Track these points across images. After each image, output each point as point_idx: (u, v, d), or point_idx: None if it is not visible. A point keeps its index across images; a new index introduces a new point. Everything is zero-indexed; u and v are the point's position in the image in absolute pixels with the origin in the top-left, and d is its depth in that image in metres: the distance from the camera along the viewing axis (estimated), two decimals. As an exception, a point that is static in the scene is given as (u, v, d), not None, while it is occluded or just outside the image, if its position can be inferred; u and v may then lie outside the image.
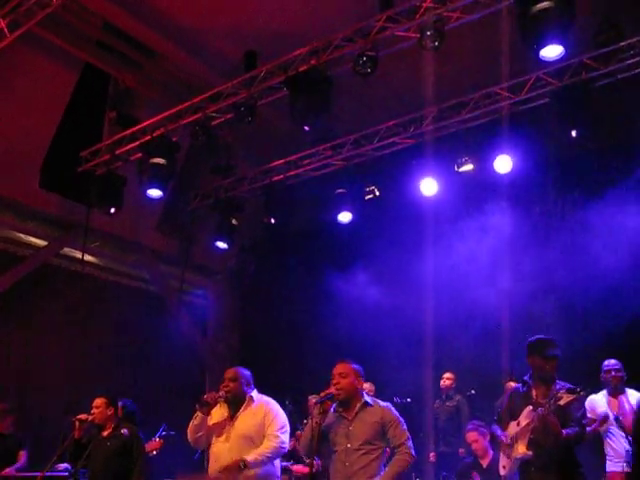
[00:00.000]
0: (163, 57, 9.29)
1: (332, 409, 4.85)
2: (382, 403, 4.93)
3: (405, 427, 4.80)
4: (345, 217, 10.06)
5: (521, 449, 5.03)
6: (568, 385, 5.05)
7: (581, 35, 7.15)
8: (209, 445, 5.27)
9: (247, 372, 5.40)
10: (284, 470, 7.77)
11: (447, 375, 9.29)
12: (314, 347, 10.65)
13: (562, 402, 4.77)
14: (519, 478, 5.18)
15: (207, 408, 5.13)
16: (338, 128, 9.66)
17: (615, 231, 8.08)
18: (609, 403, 6.79)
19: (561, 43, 6.42)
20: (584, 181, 9.03)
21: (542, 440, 4.95)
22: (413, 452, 4.75)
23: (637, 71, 7.42)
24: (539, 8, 6.13)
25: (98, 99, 9.80)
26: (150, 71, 9.41)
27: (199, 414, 5.14)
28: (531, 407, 5.04)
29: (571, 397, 4.75)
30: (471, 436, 7.21)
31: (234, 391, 5.22)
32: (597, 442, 6.86)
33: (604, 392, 6.88)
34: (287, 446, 5.33)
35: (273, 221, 10.19)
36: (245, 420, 5.19)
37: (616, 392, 6.79)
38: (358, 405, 4.80)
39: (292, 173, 10.08)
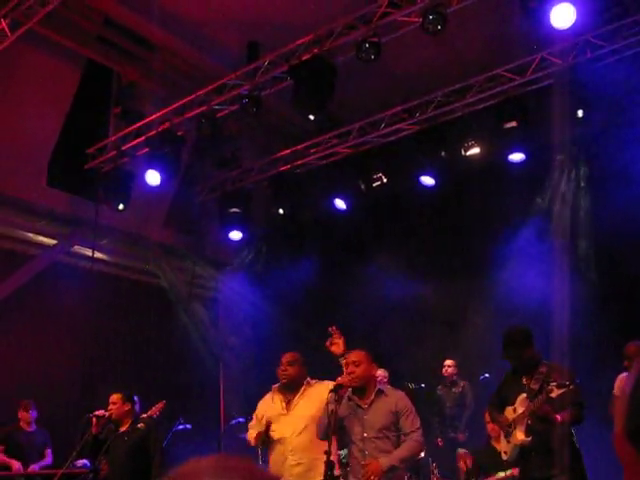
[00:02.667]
0: (165, 50, 9.27)
1: (346, 397, 4.87)
2: (396, 392, 4.95)
3: (416, 416, 4.83)
4: (341, 204, 10.13)
5: (519, 436, 5.13)
6: (559, 366, 5.12)
7: (584, 12, 7.09)
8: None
9: (302, 356, 5.36)
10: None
11: (448, 362, 9.26)
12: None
13: (553, 394, 4.84)
14: (520, 462, 5.24)
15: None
16: (343, 116, 9.64)
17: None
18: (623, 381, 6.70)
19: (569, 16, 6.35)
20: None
21: (539, 426, 5.03)
22: (422, 440, 4.79)
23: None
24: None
25: (102, 95, 9.82)
26: (153, 65, 9.38)
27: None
28: (525, 395, 5.12)
29: (560, 391, 4.81)
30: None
31: (292, 375, 5.20)
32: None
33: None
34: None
35: (282, 211, 10.19)
36: (306, 402, 5.16)
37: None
38: (373, 393, 4.82)
39: (299, 162, 10.06)
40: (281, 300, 11.37)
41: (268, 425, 5.16)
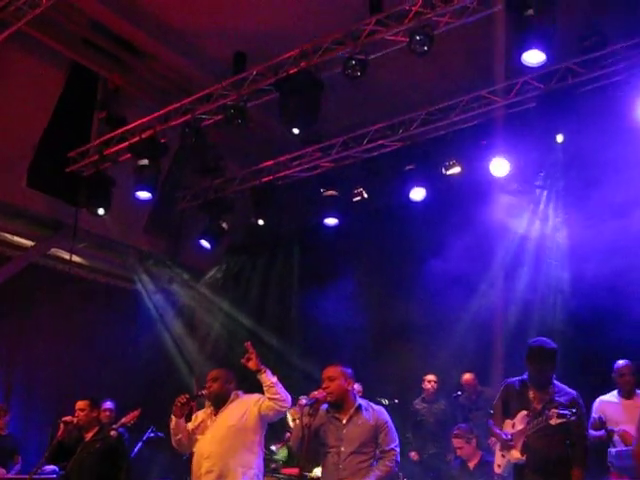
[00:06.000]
0: (152, 57, 9.27)
1: (325, 409, 4.90)
2: (375, 407, 5.01)
3: (394, 432, 4.90)
4: (331, 221, 10.12)
5: (515, 454, 5.15)
6: (567, 390, 5.19)
7: (567, 40, 7.23)
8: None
9: (230, 373, 5.45)
10: (273, 470, 7.82)
11: (431, 377, 9.26)
12: (303, 347, 10.72)
13: (552, 422, 4.87)
14: (513, 477, 5.27)
15: (179, 410, 5.16)
16: (327, 130, 9.69)
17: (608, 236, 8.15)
18: (623, 404, 6.72)
19: (543, 50, 6.46)
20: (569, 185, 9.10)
21: (537, 444, 5.05)
22: (398, 458, 4.86)
23: (620, 78, 7.50)
24: (525, 15, 6.20)
25: (87, 99, 9.81)
26: (139, 71, 9.41)
27: (172, 417, 5.18)
28: (527, 412, 5.14)
29: (560, 420, 4.84)
30: (457, 442, 7.25)
31: (217, 391, 5.29)
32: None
33: (615, 393, 6.81)
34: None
35: (261, 222, 10.21)
36: (229, 413, 5.24)
37: (629, 394, 6.73)
38: (352, 409, 4.87)
39: (281, 174, 10.09)
40: (256, 311, 11.40)
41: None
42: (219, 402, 5.31)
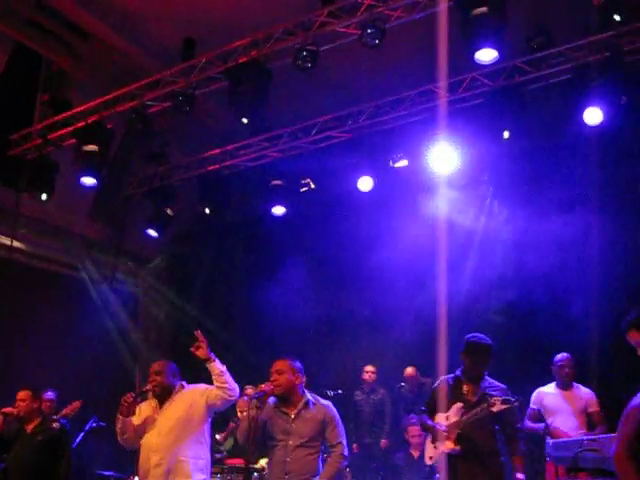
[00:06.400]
0: (99, 40, 9.07)
1: (271, 403, 4.93)
2: (323, 401, 5.06)
3: (342, 426, 4.97)
4: (279, 210, 10.09)
5: (449, 445, 5.30)
6: (496, 383, 5.41)
7: (515, 39, 7.36)
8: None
9: (173, 364, 5.43)
10: (218, 461, 7.82)
11: (369, 368, 9.43)
12: (249, 337, 10.71)
13: (494, 409, 5.06)
14: (445, 467, 5.41)
15: (126, 409, 5.11)
16: (275, 120, 9.65)
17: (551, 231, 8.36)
18: (561, 395, 6.98)
19: (495, 48, 6.58)
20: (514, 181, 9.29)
21: (471, 434, 5.21)
22: (347, 452, 4.94)
23: (565, 77, 7.68)
24: (476, 12, 6.30)
25: (30, 81, 9.51)
26: (85, 54, 9.19)
27: (119, 417, 5.12)
28: (461, 404, 5.30)
29: (504, 406, 5.02)
30: (414, 430, 7.36)
31: (161, 384, 5.25)
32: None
33: (554, 384, 7.06)
34: None
35: (208, 211, 10.12)
36: (175, 406, 5.22)
37: (567, 386, 6.98)
38: (300, 403, 4.90)
39: (228, 163, 10.01)
40: (202, 298, 11.33)
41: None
42: (164, 395, 5.28)
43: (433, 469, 5.87)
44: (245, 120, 7.98)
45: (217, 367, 5.05)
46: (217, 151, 10.05)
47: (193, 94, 8.30)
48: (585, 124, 7.43)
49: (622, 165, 8.45)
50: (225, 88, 7.97)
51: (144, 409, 5.33)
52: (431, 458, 5.60)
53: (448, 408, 5.45)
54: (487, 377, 5.51)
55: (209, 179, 10.15)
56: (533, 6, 7.64)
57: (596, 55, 7.35)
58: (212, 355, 5.07)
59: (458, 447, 5.27)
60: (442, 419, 5.45)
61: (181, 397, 5.26)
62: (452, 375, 5.65)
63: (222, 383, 5.05)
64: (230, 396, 5.11)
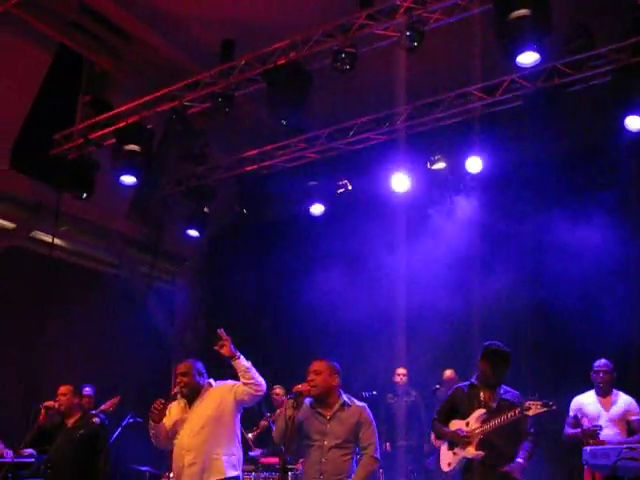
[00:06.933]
0: (140, 42, 9.20)
1: (308, 403, 4.97)
2: (359, 403, 5.08)
3: (375, 429, 4.99)
4: (317, 209, 10.14)
5: (471, 450, 5.29)
6: (512, 390, 5.38)
7: (555, 40, 7.29)
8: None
9: (198, 363, 5.45)
10: (252, 460, 7.87)
11: (401, 371, 9.40)
12: (284, 338, 10.76)
13: (531, 412, 5.03)
14: (461, 474, 5.44)
15: (157, 416, 5.14)
16: (313, 121, 9.70)
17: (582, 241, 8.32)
18: (600, 402, 6.92)
19: (537, 50, 6.53)
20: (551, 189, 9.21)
21: (495, 440, 5.24)
22: (379, 454, 4.94)
23: (607, 79, 7.60)
24: (517, 15, 6.23)
25: (72, 82, 9.68)
26: (126, 56, 9.33)
27: (151, 423, 5.15)
28: (484, 411, 5.30)
29: (541, 410, 4.99)
30: None
31: (188, 385, 5.28)
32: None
33: (592, 392, 7.01)
34: None
35: (245, 211, 10.21)
36: (205, 404, 5.26)
37: (605, 393, 6.92)
38: (337, 404, 4.94)
39: (266, 164, 10.09)
40: (238, 299, 11.41)
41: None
42: (193, 395, 5.31)
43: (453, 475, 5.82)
44: (283, 122, 8.04)
45: (242, 364, 5.09)
46: (255, 152, 10.12)
47: (232, 95, 8.37)
48: (626, 129, 7.35)
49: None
50: (264, 89, 8.04)
51: (174, 410, 5.37)
52: (449, 464, 5.57)
53: (467, 414, 5.45)
54: (503, 386, 5.53)
55: (247, 179, 10.24)
56: (574, 6, 7.57)
57: (638, 57, 7.27)
58: (237, 352, 5.11)
59: (482, 452, 5.26)
60: (461, 425, 5.45)
61: (210, 395, 5.30)
62: (466, 383, 5.68)
63: (248, 379, 5.09)
64: (257, 391, 5.14)
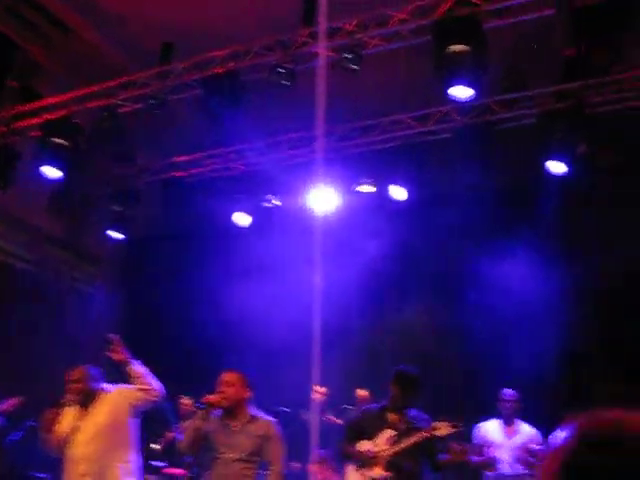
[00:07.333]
0: (77, 35, 9.00)
1: (216, 415, 4.91)
2: (267, 417, 5.05)
3: (283, 445, 4.97)
4: (242, 221, 10.08)
5: (378, 471, 5.31)
6: (422, 414, 5.45)
7: (488, 78, 7.52)
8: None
9: (93, 369, 5.33)
10: (155, 470, 7.69)
11: (318, 388, 9.33)
12: (200, 348, 10.58)
13: (439, 433, 5.10)
14: None
15: (48, 426, 5.00)
16: (246, 132, 9.66)
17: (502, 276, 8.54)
18: (504, 431, 7.08)
19: (471, 86, 6.71)
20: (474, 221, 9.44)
21: (402, 462, 5.29)
22: (284, 472, 4.93)
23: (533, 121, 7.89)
24: (455, 50, 6.40)
25: (1, 67, 9.38)
26: (61, 47, 9.11)
27: (43, 433, 5.02)
28: (393, 432, 5.34)
29: (450, 430, 5.07)
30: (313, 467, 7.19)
31: (81, 391, 5.15)
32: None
33: (497, 420, 7.17)
34: None
35: (169, 216, 10.07)
36: (97, 411, 5.13)
37: (510, 421, 7.10)
38: (245, 417, 4.89)
39: (194, 171, 10.00)
40: (157, 305, 11.20)
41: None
42: (87, 401, 5.17)
43: None
44: (216, 128, 8.00)
45: (135, 370, 5.02)
46: (185, 158, 10.01)
47: (166, 98, 8.28)
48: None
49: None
50: (199, 96, 7.99)
51: (68, 417, 5.21)
52: None
53: (374, 435, 5.50)
54: (412, 409, 5.58)
55: (174, 185, 10.10)
56: (509, 47, 7.81)
57: (562, 103, 7.57)
58: (129, 358, 5.02)
59: (388, 474, 5.31)
60: (369, 446, 5.49)
61: (103, 401, 5.17)
62: (377, 405, 5.75)
63: (143, 384, 5.02)
64: (153, 396, 5.07)
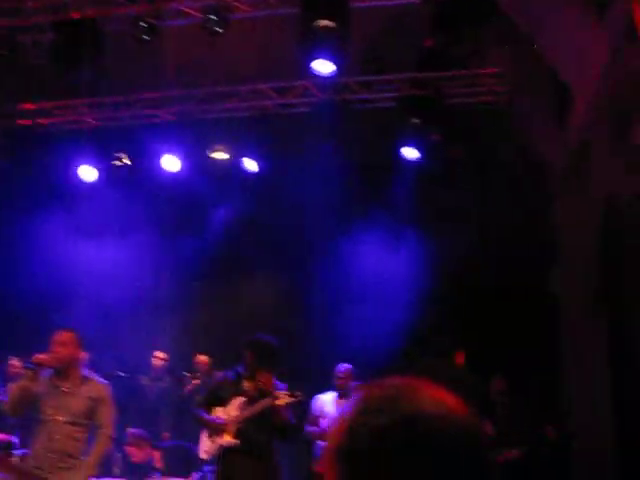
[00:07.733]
0: None
1: (46, 375, 4.70)
2: (99, 380, 4.90)
3: (114, 409, 4.85)
4: (88, 176, 9.62)
5: (228, 438, 5.31)
6: (278, 383, 5.48)
7: (351, 59, 7.60)
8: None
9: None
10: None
11: (159, 354, 9.14)
12: (32, 307, 10.07)
13: (280, 402, 5.15)
14: (220, 461, 5.43)
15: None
16: (102, 86, 9.22)
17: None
18: (337, 404, 7.17)
19: (334, 62, 6.75)
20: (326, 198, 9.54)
21: (250, 429, 5.30)
22: (114, 434, 4.84)
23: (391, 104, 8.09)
24: (321, 24, 6.40)
25: None
26: None
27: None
28: (244, 399, 5.35)
29: (289, 400, 5.14)
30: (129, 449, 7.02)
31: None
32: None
33: (334, 393, 7.29)
34: None
35: (10, 166, 9.44)
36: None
37: (345, 395, 7.15)
38: (77, 379, 4.71)
39: (42, 121, 9.43)
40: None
41: None
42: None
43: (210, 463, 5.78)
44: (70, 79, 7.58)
45: None
46: (32, 106, 9.41)
47: (15, 39, 7.72)
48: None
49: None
50: (51, 41, 7.51)
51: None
52: (206, 452, 5.57)
53: (228, 403, 5.49)
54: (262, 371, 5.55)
55: (18, 133, 9.49)
56: (372, 29, 7.93)
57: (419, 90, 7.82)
58: None
59: (237, 441, 5.31)
60: (221, 413, 5.48)
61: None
62: (232, 371, 5.69)
63: None
64: None
